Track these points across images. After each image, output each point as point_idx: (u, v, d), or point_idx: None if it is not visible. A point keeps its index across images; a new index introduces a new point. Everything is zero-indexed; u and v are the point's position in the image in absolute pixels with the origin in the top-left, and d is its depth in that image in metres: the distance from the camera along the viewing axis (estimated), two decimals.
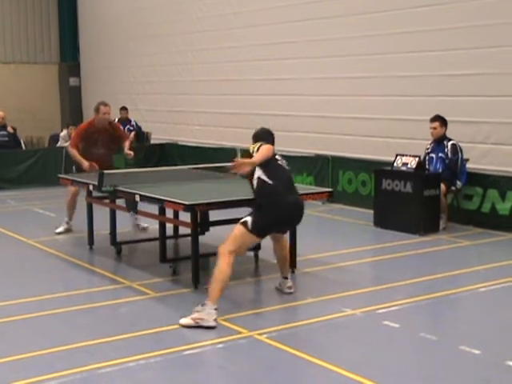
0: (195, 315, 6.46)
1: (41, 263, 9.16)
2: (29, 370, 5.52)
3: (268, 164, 6.99)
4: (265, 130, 7.61)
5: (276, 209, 6.88)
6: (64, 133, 17.77)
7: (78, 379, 5.35)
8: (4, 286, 8.09)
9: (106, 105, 10.50)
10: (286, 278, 7.55)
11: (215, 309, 6.46)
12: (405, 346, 6.12)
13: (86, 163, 10.28)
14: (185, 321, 6.47)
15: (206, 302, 6.50)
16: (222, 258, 6.64)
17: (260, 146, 7.04)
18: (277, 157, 7.20)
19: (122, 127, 11.89)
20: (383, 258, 9.37)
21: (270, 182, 6.92)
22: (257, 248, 8.74)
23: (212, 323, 6.39)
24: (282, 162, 7.23)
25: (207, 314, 6.42)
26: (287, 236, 7.90)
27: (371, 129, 13.17)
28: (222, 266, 6.60)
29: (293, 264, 8.38)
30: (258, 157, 6.93)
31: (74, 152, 10.56)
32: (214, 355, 5.87)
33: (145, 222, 10.54)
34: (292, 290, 7.49)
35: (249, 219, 6.81)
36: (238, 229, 6.81)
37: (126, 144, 10.76)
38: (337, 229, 11.47)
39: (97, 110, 10.50)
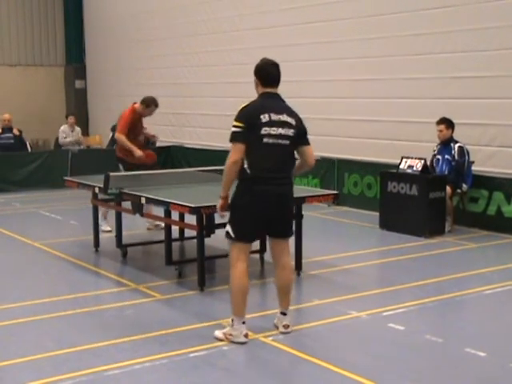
0: (227, 330, 6.21)
1: (47, 266, 9.17)
2: (35, 371, 5.54)
3: (248, 144, 5.98)
4: (266, 63, 6.33)
5: (252, 193, 6.04)
6: (64, 127, 17.76)
7: (85, 381, 5.37)
8: (11, 289, 8.11)
9: (157, 106, 10.54)
10: (284, 314, 6.44)
11: (243, 322, 6.15)
12: (410, 348, 6.11)
13: (139, 152, 10.07)
14: (218, 334, 6.23)
15: (232, 318, 6.19)
16: (232, 269, 6.20)
17: (231, 141, 6.01)
18: (267, 131, 6.01)
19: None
20: (389, 260, 9.37)
21: (248, 170, 6.03)
22: (262, 250, 8.75)
23: (242, 339, 6.10)
24: (276, 138, 6.04)
25: (235, 329, 6.13)
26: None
27: (377, 131, 13.17)
28: (232, 277, 6.18)
29: (298, 266, 8.39)
30: (224, 187, 6.16)
31: (123, 139, 10.17)
32: (219, 357, 5.87)
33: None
34: (289, 330, 6.39)
35: (228, 229, 6.18)
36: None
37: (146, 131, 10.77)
38: (342, 231, 11.47)
39: (148, 105, 10.41)
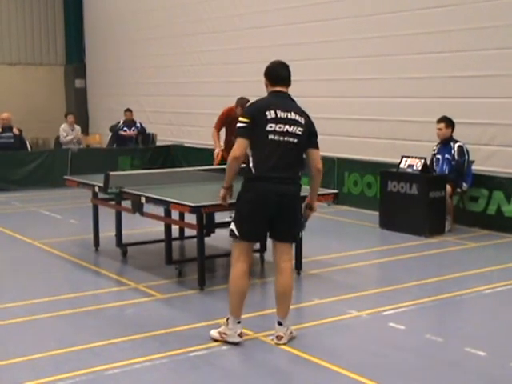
0: (222, 329, 6.14)
1: (47, 265, 9.17)
2: (35, 371, 5.54)
3: (253, 141, 5.97)
4: (276, 65, 6.37)
5: (255, 192, 5.97)
6: (64, 125, 17.78)
7: (85, 381, 5.37)
8: (10, 288, 8.11)
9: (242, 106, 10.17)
10: (280, 324, 6.13)
11: (238, 322, 6.09)
12: (410, 347, 6.11)
13: (217, 148, 10.50)
14: (213, 334, 6.18)
15: (228, 317, 6.14)
16: (232, 269, 6.13)
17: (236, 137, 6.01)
18: (272, 127, 5.94)
19: None
20: (389, 259, 9.37)
21: (253, 169, 5.98)
22: (262, 249, 8.75)
23: (236, 339, 6.04)
24: (282, 134, 5.96)
25: (230, 329, 6.07)
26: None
27: (377, 130, 13.17)
28: (232, 277, 6.11)
29: (298, 266, 8.39)
30: (226, 180, 6.18)
31: (213, 132, 10.67)
32: (219, 357, 5.87)
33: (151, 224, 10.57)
34: (282, 341, 6.07)
35: (233, 227, 6.11)
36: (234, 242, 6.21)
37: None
38: (342, 230, 11.47)
39: (242, 105, 10.10)
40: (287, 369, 5.71)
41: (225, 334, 6.10)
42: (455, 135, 10.96)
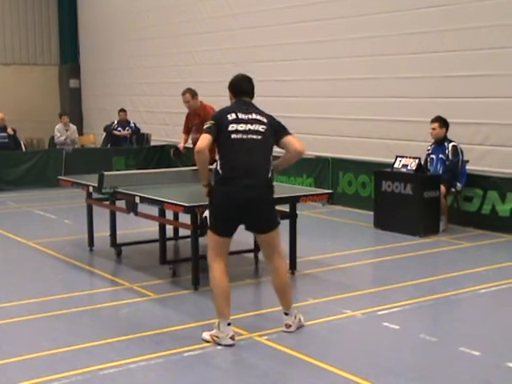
0: (214, 332, 6.12)
1: (41, 265, 9.16)
2: (30, 371, 5.53)
3: (219, 144, 6.13)
4: (238, 79, 6.52)
5: (223, 201, 6.09)
6: (59, 125, 17.76)
7: (80, 380, 5.36)
8: (5, 288, 8.10)
9: (183, 93, 10.39)
10: (286, 314, 6.39)
11: (228, 324, 6.08)
12: (405, 347, 6.12)
13: (180, 145, 10.81)
14: (205, 336, 6.17)
15: (218, 320, 6.11)
16: (210, 268, 6.19)
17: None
18: (235, 127, 6.11)
19: (210, 112, 10.09)
20: (383, 259, 9.38)
21: (221, 171, 6.10)
22: (256, 249, 8.75)
23: (228, 341, 6.03)
24: (245, 132, 6.11)
25: (221, 332, 6.06)
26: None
27: (371, 130, 13.18)
28: (211, 277, 6.16)
29: (293, 266, 8.39)
30: (201, 177, 6.30)
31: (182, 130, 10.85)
32: (214, 357, 5.87)
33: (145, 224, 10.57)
34: (291, 330, 6.35)
35: (207, 214, 6.31)
36: (209, 232, 6.28)
37: (187, 140, 10.89)
38: (337, 230, 11.48)
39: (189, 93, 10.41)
40: (282, 369, 5.70)
41: (216, 337, 6.10)
42: (449, 135, 10.97)
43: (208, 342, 6.12)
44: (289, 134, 6.35)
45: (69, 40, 23.28)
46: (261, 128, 6.17)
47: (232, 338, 6.08)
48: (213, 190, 6.21)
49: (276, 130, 6.29)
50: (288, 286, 6.41)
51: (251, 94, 6.43)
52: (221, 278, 6.12)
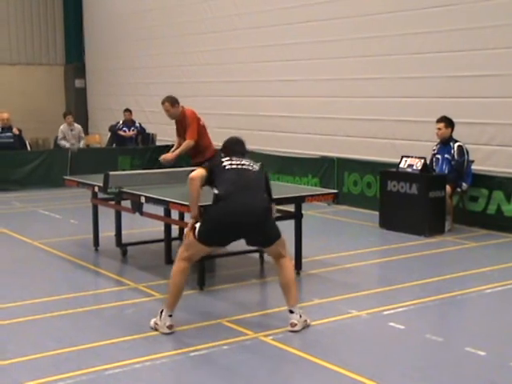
0: (156, 319, 6.41)
1: (46, 265, 9.17)
2: (35, 371, 5.53)
3: (213, 176, 6.52)
4: (231, 141, 6.99)
5: (219, 214, 6.37)
6: (63, 126, 17.73)
7: (85, 381, 5.36)
8: (10, 288, 8.10)
9: (162, 103, 9.95)
10: (291, 312, 6.42)
11: (169, 315, 6.34)
12: (410, 347, 6.11)
13: (170, 155, 10.11)
14: (150, 323, 6.47)
15: (162, 309, 6.40)
16: (176, 264, 6.44)
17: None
18: (229, 163, 6.58)
19: (189, 120, 10.00)
20: (389, 259, 9.37)
21: (217, 191, 6.42)
22: (262, 249, 8.74)
23: (165, 330, 6.30)
24: (239, 166, 6.56)
25: (161, 320, 6.34)
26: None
27: (377, 130, 13.18)
28: (173, 272, 6.41)
29: (298, 266, 8.38)
30: (191, 210, 6.65)
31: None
32: (219, 356, 5.86)
33: (151, 224, 10.58)
34: (296, 329, 6.35)
35: (197, 226, 6.43)
36: (189, 236, 6.47)
37: (180, 144, 10.13)
38: (342, 230, 11.47)
39: (169, 101, 10.01)
40: (287, 368, 5.71)
41: (156, 324, 6.39)
42: (455, 135, 10.96)
43: (152, 328, 6.38)
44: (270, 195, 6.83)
45: (74, 40, 23.33)
46: (254, 166, 6.68)
47: (169, 327, 6.32)
48: (208, 208, 6.58)
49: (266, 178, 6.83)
50: (293, 280, 6.53)
51: (244, 155, 6.84)
52: (181, 278, 6.40)
